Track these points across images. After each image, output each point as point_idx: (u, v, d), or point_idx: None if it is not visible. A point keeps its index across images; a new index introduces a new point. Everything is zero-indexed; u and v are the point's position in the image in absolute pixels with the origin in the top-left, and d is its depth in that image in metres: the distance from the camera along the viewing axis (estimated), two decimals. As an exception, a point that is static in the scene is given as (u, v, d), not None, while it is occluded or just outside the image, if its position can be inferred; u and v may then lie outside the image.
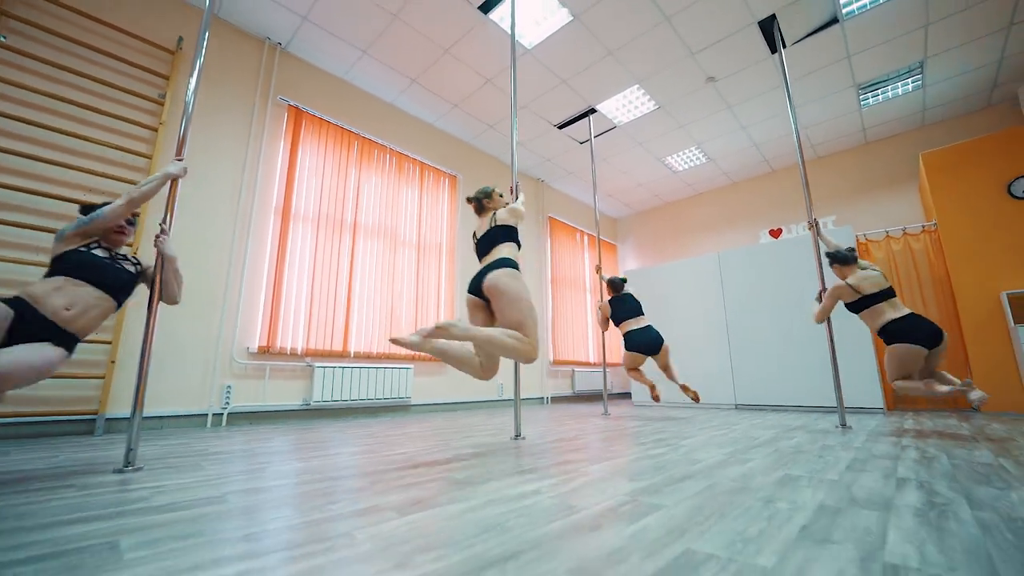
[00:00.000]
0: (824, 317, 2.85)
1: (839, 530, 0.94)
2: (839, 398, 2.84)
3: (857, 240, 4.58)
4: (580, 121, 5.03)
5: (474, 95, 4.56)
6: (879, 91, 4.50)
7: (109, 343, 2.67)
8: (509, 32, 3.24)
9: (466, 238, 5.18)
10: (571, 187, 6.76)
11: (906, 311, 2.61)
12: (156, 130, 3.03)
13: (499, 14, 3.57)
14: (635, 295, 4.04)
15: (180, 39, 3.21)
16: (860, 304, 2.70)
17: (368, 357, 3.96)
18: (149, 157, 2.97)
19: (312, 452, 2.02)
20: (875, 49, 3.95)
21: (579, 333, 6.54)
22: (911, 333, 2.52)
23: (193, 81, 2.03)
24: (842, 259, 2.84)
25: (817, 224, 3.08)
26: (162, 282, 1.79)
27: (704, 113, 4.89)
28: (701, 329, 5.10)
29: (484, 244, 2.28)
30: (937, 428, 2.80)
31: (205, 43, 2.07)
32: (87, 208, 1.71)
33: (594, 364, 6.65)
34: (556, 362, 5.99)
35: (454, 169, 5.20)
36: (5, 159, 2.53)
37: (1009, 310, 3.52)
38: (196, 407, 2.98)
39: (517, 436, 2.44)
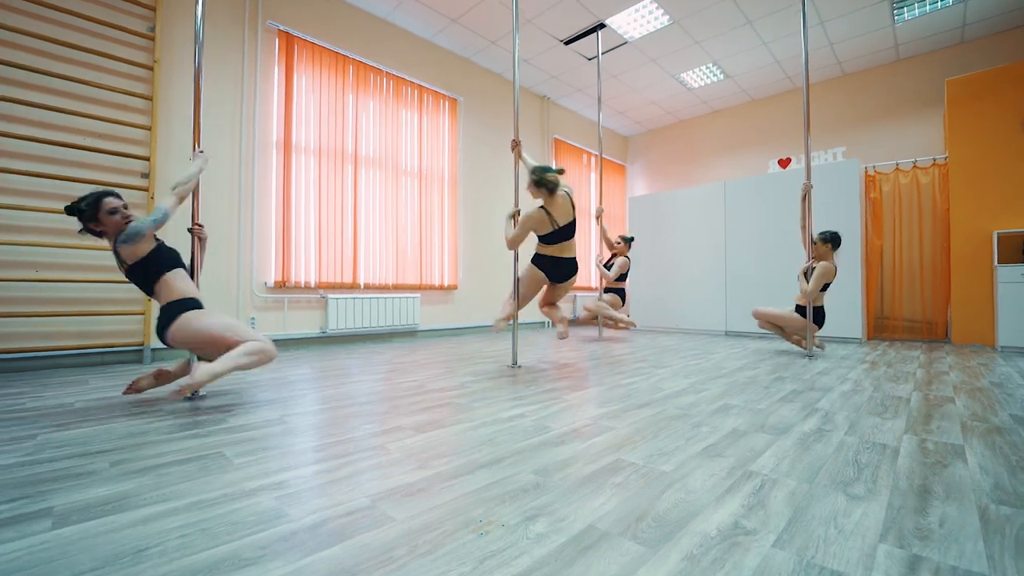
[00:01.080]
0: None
1: (732, 448, 1.38)
2: (809, 329, 3.27)
3: (865, 172, 4.71)
4: (589, 36, 4.92)
5: (475, 8, 4.45)
6: (915, 4, 4.33)
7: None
8: None
9: (469, 165, 5.34)
10: (578, 103, 6.68)
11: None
12: (152, 68, 3.16)
13: None
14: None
15: None
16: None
17: (377, 288, 4.39)
18: (150, 98, 3.14)
19: (338, 380, 2.51)
20: None
21: (581, 258, 6.90)
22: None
23: (199, 8, 2.21)
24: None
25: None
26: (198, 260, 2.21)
27: (723, 28, 4.75)
28: (701, 256, 5.44)
29: (570, 232, 2.88)
30: (891, 360, 3.25)
31: None
32: (95, 197, 1.86)
33: (594, 289, 7.10)
34: (558, 288, 6.43)
35: (455, 92, 5.20)
36: (8, 108, 2.74)
37: (996, 249, 3.79)
38: (226, 335, 3.48)
39: (514, 364, 2.93)
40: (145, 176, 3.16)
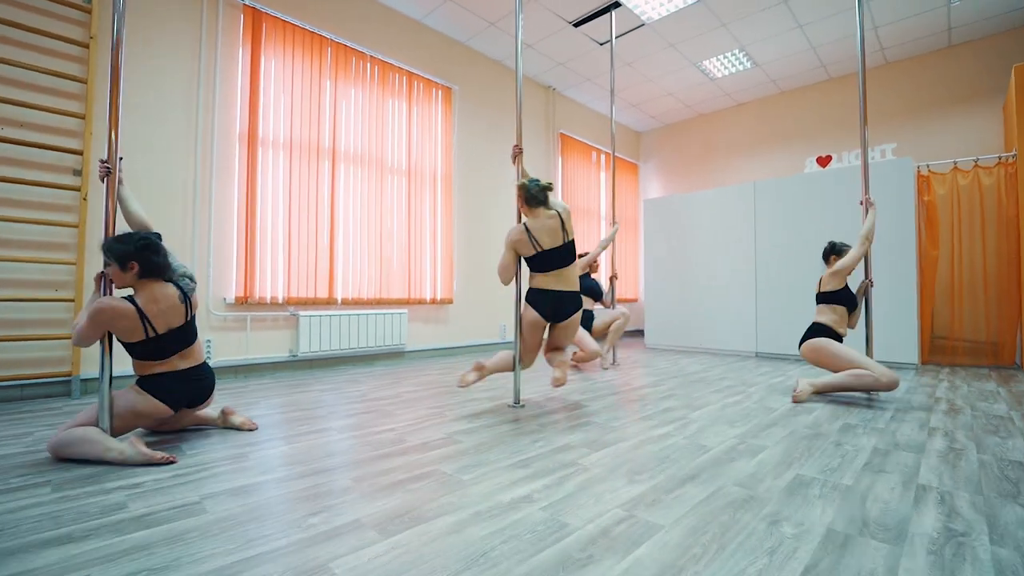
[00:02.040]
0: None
1: (845, 572, 0.98)
2: (869, 351, 2.87)
3: (918, 172, 4.33)
4: (601, 17, 4.55)
5: (471, -16, 4.09)
6: (977, -22, 3.96)
7: (72, 300, 2.69)
8: None
9: (465, 163, 4.96)
10: (587, 95, 6.32)
11: None
12: (88, 46, 2.78)
13: None
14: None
15: None
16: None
17: (358, 303, 4.00)
18: (84, 81, 2.76)
19: (297, 427, 2.11)
20: None
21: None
22: None
23: None
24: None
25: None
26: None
27: (754, 8, 4.38)
28: (727, 268, 5.04)
29: (562, 257, 2.43)
30: (968, 396, 2.84)
31: None
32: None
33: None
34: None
35: (449, 80, 4.83)
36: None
37: (1080, 260, 3.40)
38: (176, 362, 3.08)
39: (515, 404, 2.53)
40: (78, 173, 2.78)
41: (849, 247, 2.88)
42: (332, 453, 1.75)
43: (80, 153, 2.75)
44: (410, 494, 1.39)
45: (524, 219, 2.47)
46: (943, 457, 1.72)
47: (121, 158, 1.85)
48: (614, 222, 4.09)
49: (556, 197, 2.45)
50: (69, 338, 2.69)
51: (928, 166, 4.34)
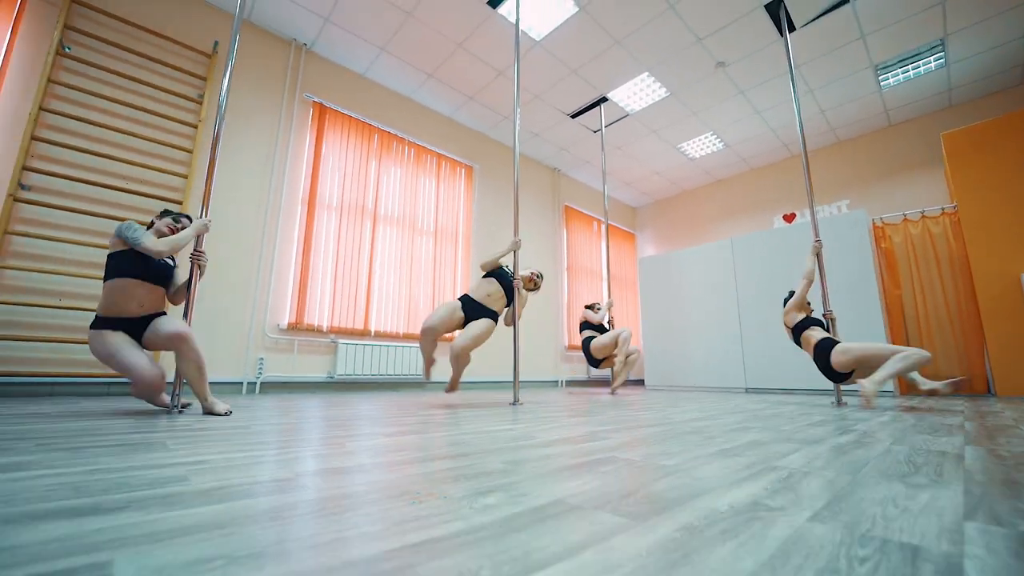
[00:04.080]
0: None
1: (750, 452, 1.09)
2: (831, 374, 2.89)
3: (873, 224, 4.52)
4: (592, 110, 5.13)
5: (488, 87, 4.74)
6: (899, 71, 4.40)
7: (159, 316, 3.02)
8: (515, 26, 3.39)
9: (482, 226, 5.38)
10: (587, 175, 6.85)
11: None
12: (196, 127, 3.36)
13: (507, 8, 3.73)
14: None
15: (216, 43, 3.54)
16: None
17: (388, 336, 4.23)
18: (190, 151, 3.31)
19: (331, 407, 2.28)
20: (890, 28, 3.88)
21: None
22: None
23: (226, 81, 2.31)
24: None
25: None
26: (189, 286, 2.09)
27: (717, 99, 4.90)
28: (714, 314, 5.14)
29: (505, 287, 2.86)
30: (936, 407, 2.81)
31: (236, 45, 2.34)
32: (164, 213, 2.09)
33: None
34: (571, 347, 6.14)
35: (470, 160, 5.40)
36: (69, 154, 2.89)
37: (1029, 292, 3.44)
38: (234, 375, 3.32)
39: (515, 402, 2.64)
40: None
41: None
42: (364, 415, 1.92)
43: (181, 203, 3.22)
44: (413, 427, 1.54)
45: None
46: (884, 422, 1.77)
47: (209, 220, 2.18)
48: (609, 298, 4.47)
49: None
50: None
51: (882, 219, 4.54)
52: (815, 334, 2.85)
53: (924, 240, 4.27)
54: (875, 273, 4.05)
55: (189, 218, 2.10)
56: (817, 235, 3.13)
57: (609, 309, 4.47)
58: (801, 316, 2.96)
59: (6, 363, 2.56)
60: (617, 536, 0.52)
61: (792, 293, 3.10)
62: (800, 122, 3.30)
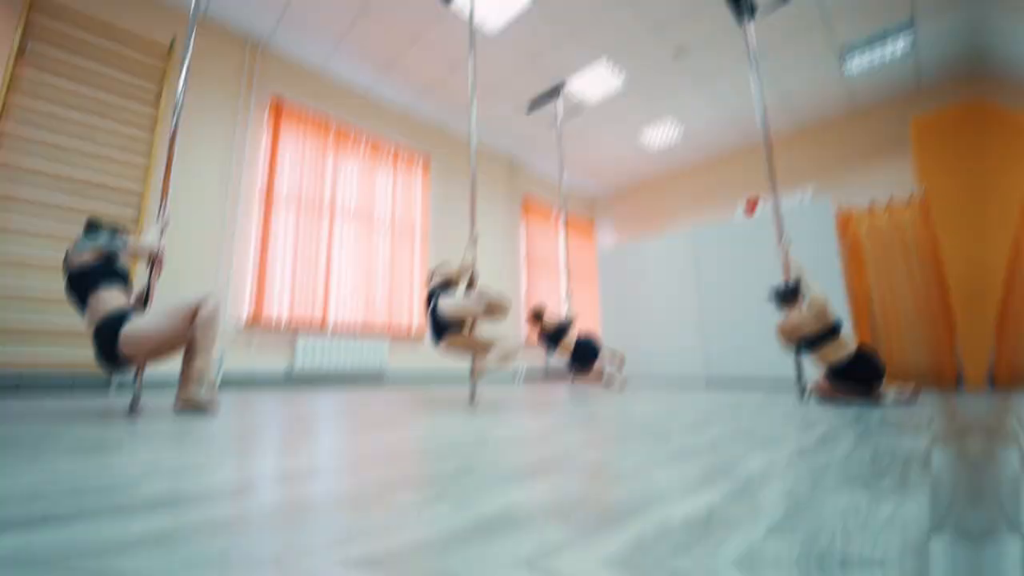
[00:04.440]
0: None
1: (709, 455, 1.07)
2: (798, 371, 2.93)
3: (839, 212, 4.59)
4: (551, 102, 5.04)
5: (445, 80, 4.62)
6: (866, 52, 4.35)
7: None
8: (469, 23, 3.31)
9: (440, 219, 5.25)
10: (546, 165, 6.74)
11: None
12: (152, 127, 3.18)
13: (461, 3, 3.60)
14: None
15: (172, 40, 3.36)
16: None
17: (347, 330, 4.11)
18: (149, 147, 3.16)
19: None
20: (855, 10, 3.85)
21: (552, 312, 6.65)
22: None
23: (182, 79, 2.22)
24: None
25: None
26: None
27: (676, 88, 4.90)
28: (675, 306, 5.19)
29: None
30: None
31: (192, 42, 2.25)
32: (91, 224, 1.87)
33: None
34: (529, 342, 6.08)
35: (426, 150, 5.26)
36: (24, 159, 2.67)
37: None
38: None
39: (472, 400, 2.57)
40: (135, 222, 3.05)
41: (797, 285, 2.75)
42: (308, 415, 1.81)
43: (138, 205, 3.05)
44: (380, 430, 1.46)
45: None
46: (849, 420, 1.80)
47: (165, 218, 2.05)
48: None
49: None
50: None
51: (848, 206, 4.62)
52: (848, 348, 2.57)
53: (891, 228, 4.31)
54: (839, 264, 4.11)
55: (117, 230, 1.90)
56: (780, 234, 3.14)
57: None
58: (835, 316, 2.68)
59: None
60: (564, 553, 0.47)
61: (797, 285, 2.75)
62: (763, 110, 3.32)
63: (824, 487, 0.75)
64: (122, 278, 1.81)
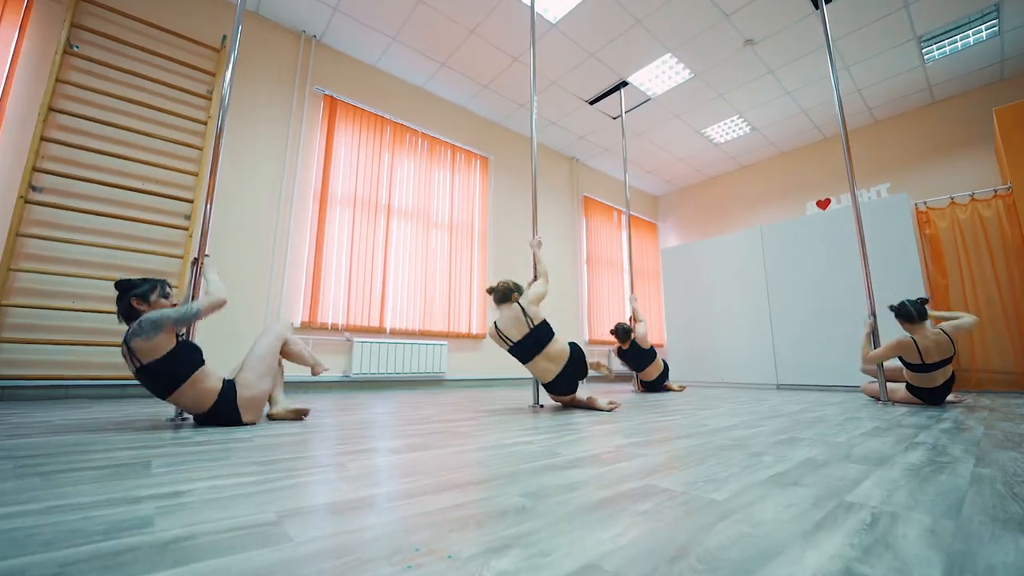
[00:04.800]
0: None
1: (812, 478, 0.93)
2: (881, 374, 2.68)
3: (916, 208, 4.21)
4: (612, 95, 4.91)
5: (503, 75, 4.57)
6: (945, 42, 4.05)
7: (172, 316, 2.98)
8: (530, 8, 3.21)
9: (499, 219, 5.24)
10: (606, 164, 6.63)
11: None
12: (205, 123, 3.30)
13: None
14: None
15: (224, 37, 3.46)
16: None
17: (404, 333, 4.15)
18: (200, 148, 3.25)
19: (344, 411, 2.19)
20: None
21: (615, 313, 6.46)
22: None
23: (228, 74, 2.22)
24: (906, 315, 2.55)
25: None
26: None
27: (744, 80, 4.62)
28: (742, 306, 4.90)
29: (532, 346, 2.31)
30: (994, 406, 2.57)
31: (239, 37, 2.25)
32: (134, 289, 1.62)
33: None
34: (591, 342, 5.97)
35: (486, 151, 5.25)
36: (78, 154, 2.86)
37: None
38: (248, 375, 3.27)
39: (535, 404, 2.51)
40: (187, 218, 3.19)
41: (918, 302, 2.55)
42: (368, 422, 1.81)
43: (191, 201, 3.17)
44: (423, 439, 1.42)
45: (495, 317, 2.37)
46: (947, 430, 1.58)
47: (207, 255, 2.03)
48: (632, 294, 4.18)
49: (529, 289, 2.47)
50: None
51: (925, 203, 4.22)
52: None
53: (974, 225, 3.94)
54: (919, 262, 3.77)
55: (164, 283, 1.71)
56: (871, 309, 2.78)
57: (633, 305, 4.18)
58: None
59: (20, 366, 2.55)
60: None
61: (924, 303, 2.55)
62: (839, 98, 3.03)
63: (972, 529, 0.61)
64: (199, 356, 1.63)
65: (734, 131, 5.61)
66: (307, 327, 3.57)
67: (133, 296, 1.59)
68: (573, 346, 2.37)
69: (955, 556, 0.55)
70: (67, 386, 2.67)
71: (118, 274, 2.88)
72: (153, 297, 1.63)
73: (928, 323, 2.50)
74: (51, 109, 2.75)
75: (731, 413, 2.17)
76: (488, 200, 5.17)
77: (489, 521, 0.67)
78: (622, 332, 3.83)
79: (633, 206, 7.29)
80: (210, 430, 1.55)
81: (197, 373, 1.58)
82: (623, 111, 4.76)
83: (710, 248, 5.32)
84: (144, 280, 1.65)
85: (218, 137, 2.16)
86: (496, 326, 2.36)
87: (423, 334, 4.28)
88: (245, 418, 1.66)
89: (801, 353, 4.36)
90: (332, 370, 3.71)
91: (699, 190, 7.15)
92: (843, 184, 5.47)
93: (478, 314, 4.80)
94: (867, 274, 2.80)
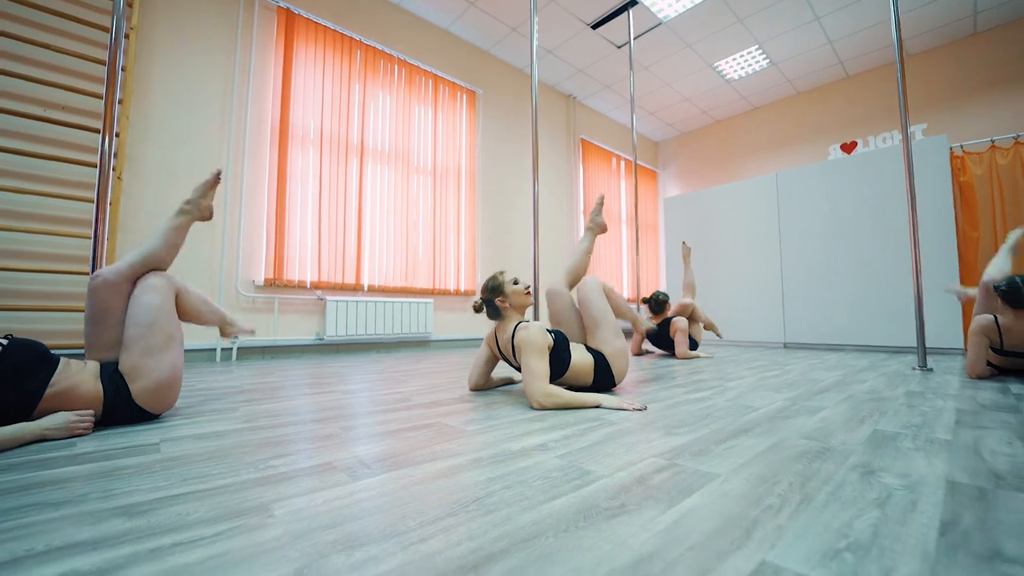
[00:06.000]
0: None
1: (1007, 535, 0.60)
2: (921, 335, 2.39)
3: (952, 153, 3.82)
4: (619, 17, 4.28)
5: (493, -11, 3.90)
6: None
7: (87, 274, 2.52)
8: None
9: (489, 164, 4.72)
10: (606, 104, 6.03)
11: None
12: (128, 36, 2.67)
13: None
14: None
15: None
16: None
17: (384, 291, 3.74)
18: (124, 69, 2.64)
19: (306, 388, 1.82)
20: None
21: (613, 267, 6.11)
22: None
23: None
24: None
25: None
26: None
27: (763, 4, 4.03)
28: (751, 260, 4.57)
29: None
30: (1045, 373, 2.32)
31: None
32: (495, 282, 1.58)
33: (628, 300, 6.26)
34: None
35: (473, 83, 4.63)
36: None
37: None
38: (204, 341, 2.87)
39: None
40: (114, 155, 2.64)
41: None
42: (328, 407, 1.45)
43: (118, 135, 2.61)
44: (401, 441, 1.06)
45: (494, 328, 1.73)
46: (1053, 418, 1.28)
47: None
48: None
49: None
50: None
51: (962, 146, 3.83)
52: None
53: (1014, 171, 3.59)
54: (952, 214, 3.44)
55: None
56: (911, 172, 2.44)
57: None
58: None
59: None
60: None
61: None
62: (896, 17, 2.54)
63: None
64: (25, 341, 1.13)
65: (750, 65, 5.05)
66: (272, 284, 3.14)
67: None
68: (596, 355, 1.71)
69: None
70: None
71: (22, 223, 2.38)
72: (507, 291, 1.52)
73: None
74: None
75: (765, 386, 1.86)
76: (476, 141, 4.62)
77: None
78: (655, 305, 3.33)
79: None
80: (109, 435, 1.17)
81: (55, 379, 1.10)
82: (631, 36, 4.16)
83: (718, 196, 4.91)
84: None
85: (112, 55, 1.63)
86: (497, 342, 1.71)
87: (405, 291, 3.89)
88: (157, 410, 1.27)
89: (811, 311, 4.09)
90: (304, 332, 3.31)
91: (704, 135, 6.62)
92: (869, 126, 5.02)
93: (467, 269, 4.40)
94: (914, 224, 2.44)
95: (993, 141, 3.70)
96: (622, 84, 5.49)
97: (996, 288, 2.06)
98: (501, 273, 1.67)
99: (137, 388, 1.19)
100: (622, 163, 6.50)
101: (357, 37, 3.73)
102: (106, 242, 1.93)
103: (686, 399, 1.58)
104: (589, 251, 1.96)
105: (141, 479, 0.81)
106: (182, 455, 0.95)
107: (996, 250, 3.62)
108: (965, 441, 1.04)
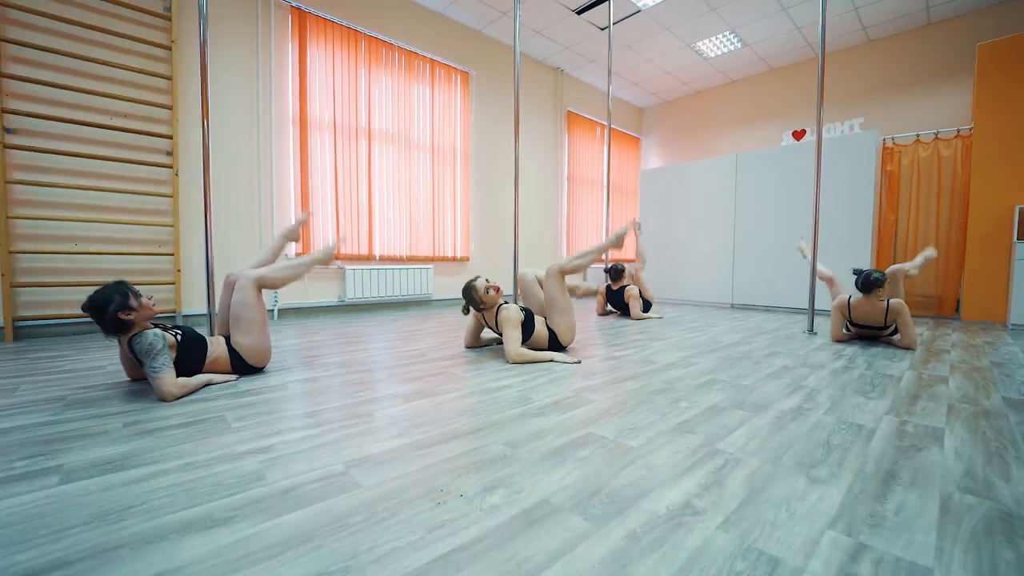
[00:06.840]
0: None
1: (705, 426, 1.35)
2: (812, 304, 3.16)
3: (884, 144, 4.40)
4: (600, 5, 4.64)
5: (484, -22, 4.23)
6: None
7: (172, 255, 3.17)
8: None
9: (481, 140, 5.21)
10: (592, 76, 6.39)
11: None
12: (170, 48, 3.13)
13: None
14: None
15: None
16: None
17: (392, 259, 4.41)
18: (169, 78, 3.13)
19: (348, 347, 2.56)
20: None
21: (594, 233, 6.76)
22: None
23: None
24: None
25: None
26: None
27: (740, -8, 4.40)
28: (712, 231, 5.25)
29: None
30: (886, 353, 3.10)
31: None
32: (97, 303, 1.58)
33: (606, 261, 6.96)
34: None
35: (466, 65, 5.03)
36: (41, 90, 2.76)
37: (1017, 224, 3.53)
38: (251, 303, 3.57)
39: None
40: (169, 154, 3.19)
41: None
42: (370, 361, 2.19)
43: (170, 137, 3.15)
44: (427, 383, 1.80)
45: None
46: (835, 371, 2.05)
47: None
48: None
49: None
50: (172, 283, 3.18)
51: (894, 139, 4.41)
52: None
53: (931, 164, 4.21)
54: (874, 197, 4.09)
55: (123, 284, 1.65)
56: (818, 163, 3.10)
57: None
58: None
59: (35, 308, 2.77)
60: (581, 544, 0.77)
61: (881, 277, 2.63)
62: (823, 24, 3.06)
63: (777, 473, 1.02)
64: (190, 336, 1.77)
65: (726, 45, 5.43)
66: (300, 255, 3.80)
67: (117, 312, 1.58)
68: (549, 330, 2.39)
69: (754, 492, 0.95)
70: (78, 323, 2.92)
71: (111, 215, 2.99)
72: (132, 303, 1.61)
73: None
74: (2, 39, 2.60)
75: (677, 346, 2.62)
76: (470, 120, 5.09)
77: (483, 467, 1.05)
78: (614, 273, 4.10)
79: (617, 119, 7.18)
80: (246, 378, 1.91)
81: (208, 351, 1.79)
82: (611, 22, 4.55)
83: (686, 172, 5.50)
84: (111, 292, 1.59)
85: (203, 52, 2.19)
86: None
87: (410, 259, 4.56)
88: (259, 366, 1.96)
89: (754, 277, 4.84)
90: (328, 296, 4.02)
91: (685, 104, 7.03)
92: (827, 110, 5.51)
93: (462, 237, 5.04)
94: (816, 207, 3.13)
95: (918, 135, 4.29)
96: (606, 59, 5.84)
97: (853, 274, 2.80)
98: (474, 279, 2.36)
99: (245, 354, 1.90)
100: (606, 132, 6.93)
101: (360, 28, 4.12)
102: (212, 231, 2.57)
103: (611, 355, 2.34)
104: (593, 261, 2.52)
105: (296, 402, 1.54)
106: (305, 391, 1.69)
107: (910, 231, 4.33)
108: (762, 387, 1.80)
